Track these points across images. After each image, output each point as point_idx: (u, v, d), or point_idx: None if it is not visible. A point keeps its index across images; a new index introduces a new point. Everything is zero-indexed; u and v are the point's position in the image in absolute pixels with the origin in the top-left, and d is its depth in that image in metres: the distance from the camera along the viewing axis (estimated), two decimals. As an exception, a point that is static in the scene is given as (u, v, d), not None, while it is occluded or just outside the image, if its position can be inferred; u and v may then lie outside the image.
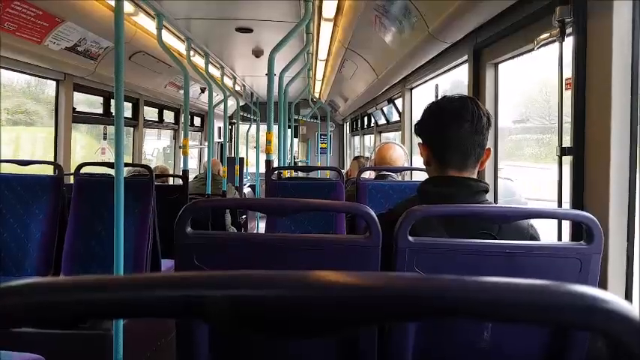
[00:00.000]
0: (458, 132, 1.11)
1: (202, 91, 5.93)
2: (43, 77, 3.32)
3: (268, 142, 2.79)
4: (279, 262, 0.96)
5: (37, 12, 2.52)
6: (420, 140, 1.20)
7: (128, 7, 2.89)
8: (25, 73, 3.17)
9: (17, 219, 2.42)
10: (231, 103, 6.48)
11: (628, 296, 1.25)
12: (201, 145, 6.75)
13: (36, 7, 2.48)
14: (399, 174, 2.69)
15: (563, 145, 1.39)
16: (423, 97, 3.74)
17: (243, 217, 4.85)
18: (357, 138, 7.48)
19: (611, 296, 0.28)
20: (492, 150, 2.19)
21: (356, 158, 4.07)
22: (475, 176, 1.15)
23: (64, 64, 3.13)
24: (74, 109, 3.49)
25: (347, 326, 0.30)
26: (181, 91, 4.30)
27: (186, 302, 0.28)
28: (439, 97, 1.20)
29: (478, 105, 1.12)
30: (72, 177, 2.52)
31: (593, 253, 0.92)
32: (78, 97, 3.63)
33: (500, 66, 2.11)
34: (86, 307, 0.28)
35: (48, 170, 2.85)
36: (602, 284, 1.21)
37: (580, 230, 1.02)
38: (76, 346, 1.94)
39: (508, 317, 0.29)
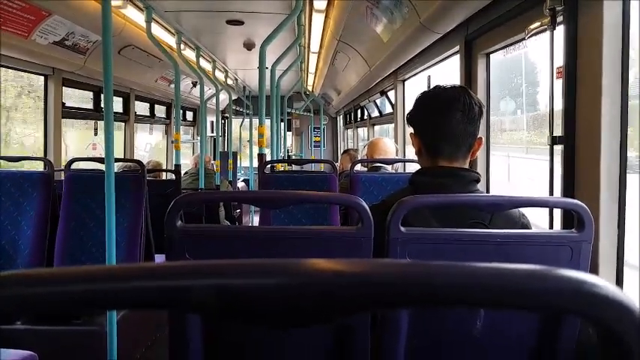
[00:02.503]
0: (450, 122, 1.10)
1: (194, 85, 5.89)
2: (32, 72, 3.28)
3: (261, 135, 2.78)
4: (272, 254, 0.96)
5: (23, 5, 2.48)
6: (411, 130, 1.19)
7: (116, 0, 2.85)
8: (12, 68, 3.12)
9: (8, 216, 2.40)
10: (224, 97, 6.44)
11: (619, 283, 1.27)
12: (193, 139, 6.71)
13: None
14: (391, 166, 2.69)
15: (554, 134, 1.39)
16: (415, 88, 3.74)
17: (237, 211, 4.84)
18: (350, 131, 7.48)
19: (602, 281, 0.28)
20: (484, 141, 2.21)
21: (346, 151, 4.06)
22: (466, 166, 1.15)
23: (52, 59, 3.09)
24: (63, 104, 3.45)
25: (337, 314, 0.29)
26: (172, 86, 4.27)
27: (173, 292, 0.28)
28: (432, 87, 1.20)
29: (470, 94, 1.12)
30: (62, 173, 2.50)
31: (584, 240, 0.93)
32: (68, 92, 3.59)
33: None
34: (70, 298, 0.28)
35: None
36: (593, 271, 1.22)
37: (571, 218, 1.03)
38: (70, 342, 1.93)
39: (501, 303, 0.29)
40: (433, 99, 1.15)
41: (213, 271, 0.28)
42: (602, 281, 0.28)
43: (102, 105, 3.92)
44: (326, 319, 0.30)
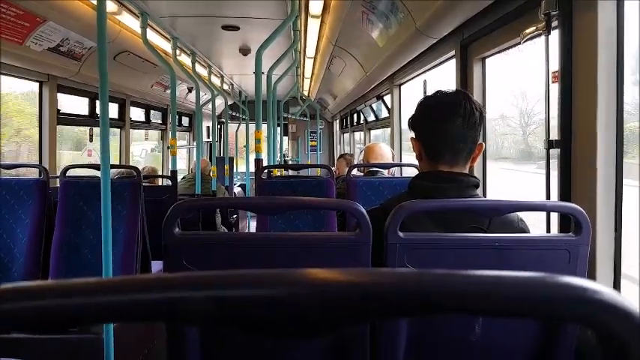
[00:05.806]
0: (450, 127, 1.10)
1: (190, 90, 5.88)
2: (26, 79, 3.27)
3: (257, 140, 2.77)
4: (270, 261, 0.95)
5: (18, 12, 2.48)
6: (413, 135, 1.19)
7: (111, 6, 2.85)
8: (6, 74, 3.11)
9: (3, 223, 2.38)
10: (220, 102, 6.44)
11: (616, 286, 1.27)
12: (189, 145, 6.70)
13: (16, 6, 2.44)
14: (387, 171, 2.69)
15: (550, 138, 1.40)
16: (411, 93, 3.75)
17: (234, 216, 4.83)
18: (346, 135, 7.49)
19: (602, 287, 0.27)
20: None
21: (342, 156, 4.06)
22: (466, 171, 1.15)
23: (47, 65, 3.08)
24: (58, 110, 3.44)
25: (338, 325, 0.29)
26: (168, 91, 4.27)
27: (171, 304, 0.28)
28: (433, 92, 1.20)
29: (471, 100, 1.12)
30: (58, 180, 2.49)
31: (581, 244, 0.93)
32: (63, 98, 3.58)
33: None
34: (65, 311, 0.27)
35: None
36: (591, 275, 1.22)
37: (568, 222, 1.03)
38: (66, 350, 1.91)
39: (503, 312, 0.29)
40: (434, 104, 1.15)
41: (210, 282, 0.28)
42: (604, 288, 0.28)
43: (97, 111, 3.91)
44: (327, 330, 0.29)
